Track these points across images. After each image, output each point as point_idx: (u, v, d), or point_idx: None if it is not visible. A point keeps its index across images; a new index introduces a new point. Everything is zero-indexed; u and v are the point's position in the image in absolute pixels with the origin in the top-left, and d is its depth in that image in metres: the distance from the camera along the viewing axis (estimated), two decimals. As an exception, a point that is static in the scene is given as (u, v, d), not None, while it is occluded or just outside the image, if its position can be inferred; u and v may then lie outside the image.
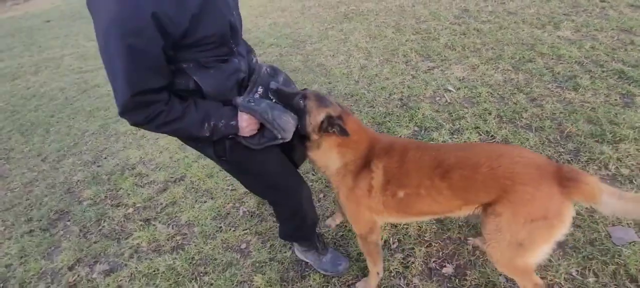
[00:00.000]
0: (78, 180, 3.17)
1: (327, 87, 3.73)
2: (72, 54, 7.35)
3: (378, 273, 1.71)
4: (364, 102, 3.33)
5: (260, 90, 1.35)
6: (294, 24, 5.86)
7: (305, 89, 1.46)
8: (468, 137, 2.61)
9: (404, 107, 3.13)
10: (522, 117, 2.70)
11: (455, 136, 2.68)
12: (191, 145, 1.45)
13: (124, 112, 1.10)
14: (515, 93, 3.00)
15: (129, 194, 2.81)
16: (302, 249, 1.92)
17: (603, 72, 3.01)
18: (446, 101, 3.09)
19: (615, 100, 2.68)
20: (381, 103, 3.25)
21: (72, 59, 7.02)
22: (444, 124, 2.80)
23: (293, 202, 1.60)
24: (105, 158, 3.46)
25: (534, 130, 2.56)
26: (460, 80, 3.35)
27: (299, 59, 4.52)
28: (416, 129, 2.85)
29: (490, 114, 2.80)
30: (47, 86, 5.75)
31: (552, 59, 3.36)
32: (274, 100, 1.36)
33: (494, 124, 2.69)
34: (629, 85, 2.79)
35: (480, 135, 2.63)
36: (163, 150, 3.30)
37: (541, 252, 1.27)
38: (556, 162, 1.63)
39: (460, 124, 2.77)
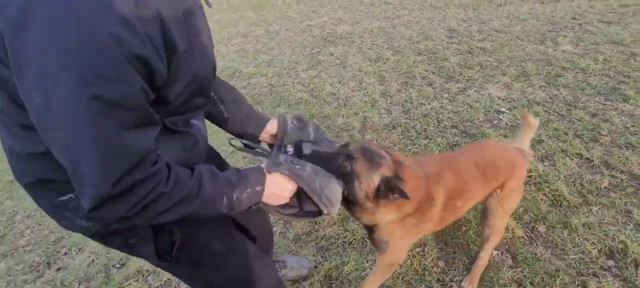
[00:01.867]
0: (27, 303, 1.97)
1: (356, 119, 3.14)
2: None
3: None
4: (413, 133, 2.84)
5: (290, 149, 1.08)
6: (269, 50, 5.17)
7: (346, 144, 1.21)
8: (564, 163, 2.30)
9: (465, 135, 2.73)
10: (602, 135, 2.51)
11: (546, 161, 2.35)
12: (116, 248, 0.99)
13: (99, 206, 0.70)
14: (570, 109, 2.84)
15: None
16: None
17: (636, 82, 3.07)
18: (506, 124, 2.79)
19: (670, 108, 2.69)
20: (436, 133, 2.80)
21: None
22: (529, 149, 2.46)
23: None
24: (66, 254, 2.28)
25: (625, 148, 2.37)
26: (503, 99, 3.11)
27: (300, 89, 3.85)
28: (497, 159, 2.45)
29: (566, 134, 2.56)
30: None
31: (578, 72, 3.36)
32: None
33: (579, 144, 2.44)
34: (669, 93, 2.85)
35: (575, 158, 2.34)
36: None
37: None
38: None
39: (543, 149, 2.46)
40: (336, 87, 3.77)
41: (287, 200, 1.02)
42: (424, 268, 1.83)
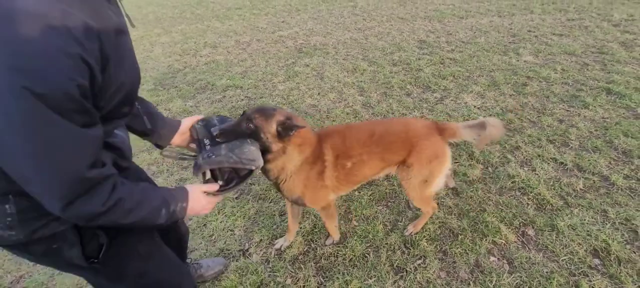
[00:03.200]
0: None
1: (340, 131, 3.13)
2: None
3: (336, 226, 2.05)
4: (398, 143, 2.88)
5: (207, 142, 1.29)
6: (242, 62, 5.03)
7: (244, 112, 1.45)
8: (542, 167, 2.44)
9: (450, 144, 2.80)
10: (570, 139, 2.70)
11: (525, 167, 2.48)
12: (39, 259, 1.04)
13: (72, 202, 0.80)
14: (539, 116, 3.04)
15: None
16: None
17: (592, 89, 3.35)
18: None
19: (624, 113, 2.96)
20: (420, 142, 2.85)
21: None
22: (509, 156, 2.59)
23: None
24: (30, 296, 2.01)
25: (592, 151, 2.57)
26: (478, 108, 3.26)
27: (279, 101, 3.78)
28: (481, 166, 2.54)
29: (539, 139, 2.73)
30: None
31: (541, 81, 3.62)
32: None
33: (553, 149, 2.61)
34: (621, 99, 3.14)
35: (551, 163, 2.49)
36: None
37: (438, 182, 1.83)
38: (433, 120, 2.12)
39: (522, 155, 2.60)
40: (316, 99, 3.74)
41: (209, 209, 1.19)
42: (428, 280, 1.83)
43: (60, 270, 1.10)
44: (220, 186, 1.25)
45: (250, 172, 1.29)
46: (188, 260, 1.93)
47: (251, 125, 1.37)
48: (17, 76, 0.68)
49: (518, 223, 2.09)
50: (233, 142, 1.30)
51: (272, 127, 1.41)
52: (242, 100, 3.92)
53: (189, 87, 4.38)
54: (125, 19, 0.98)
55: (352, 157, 1.69)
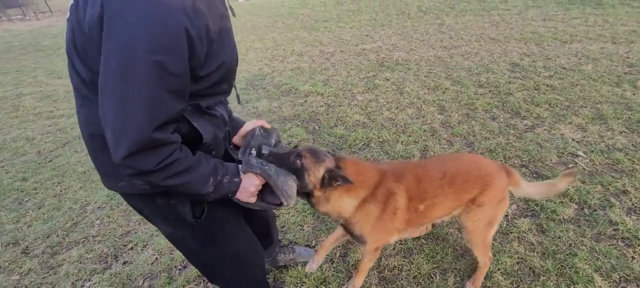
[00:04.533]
0: (99, 292, 2.07)
1: (416, 147, 3.08)
2: (32, 93, 5.98)
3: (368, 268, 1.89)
4: (478, 168, 2.73)
5: (253, 152, 1.26)
6: (324, 71, 5.27)
7: (296, 147, 1.43)
8: (657, 220, 2.09)
9: (539, 176, 2.57)
10: (700, 192, 2.26)
11: (633, 215, 2.14)
12: (153, 211, 1.22)
13: (133, 154, 0.88)
14: (659, 160, 2.60)
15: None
16: None
17: None
18: (584, 169, 2.59)
19: None
20: (503, 170, 2.66)
21: (34, 99, 5.67)
22: (613, 200, 2.27)
23: (252, 276, 1.59)
24: (132, 249, 2.39)
25: None
26: (578, 142, 2.91)
27: (357, 111, 3.86)
28: (576, 206, 2.27)
29: (656, 187, 2.34)
30: (6, 134, 4.40)
31: (664, 120, 3.09)
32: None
33: (674, 201, 2.21)
34: None
35: (669, 216, 2.12)
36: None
37: (498, 224, 1.74)
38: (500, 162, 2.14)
39: (630, 200, 2.25)
40: (394, 113, 3.73)
41: (255, 195, 1.21)
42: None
43: (167, 227, 1.29)
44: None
45: (277, 205, 1.26)
46: (282, 242, 2.17)
47: (298, 163, 1.33)
48: (141, 40, 0.82)
49: (617, 277, 1.82)
50: (281, 169, 1.27)
51: (319, 172, 1.37)
52: (322, 106, 4.10)
53: (275, 90, 4.74)
54: (229, 9, 1.12)
55: (426, 199, 1.59)
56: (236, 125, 1.40)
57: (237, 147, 1.38)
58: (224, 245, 1.39)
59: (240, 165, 1.19)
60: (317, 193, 1.41)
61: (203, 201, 1.21)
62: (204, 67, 0.97)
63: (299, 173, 1.33)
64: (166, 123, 0.91)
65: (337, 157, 1.48)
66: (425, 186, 1.58)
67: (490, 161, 1.73)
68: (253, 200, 1.21)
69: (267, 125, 1.37)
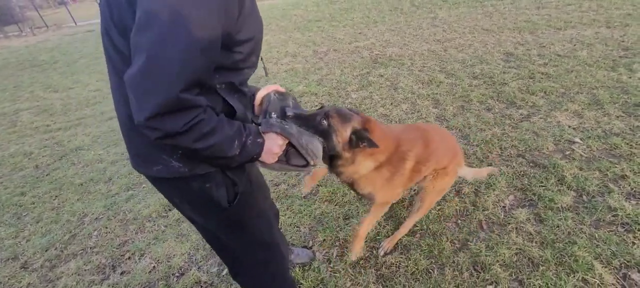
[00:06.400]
0: (96, 304, 2.06)
1: (411, 142, 3.06)
2: (30, 108, 6.00)
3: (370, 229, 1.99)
4: (474, 160, 2.71)
5: (273, 115, 1.18)
6: (318, 70, 5.25)
7: (323, 107, 1.38)
8: (656, 203, 2.06)
9: (536, 166, 2.54)
10: (699, 173, 2.23)
11: (632, 200, 2.12)
12: (187, 198, 1.19)
13: (161, 114, 0.84)
14: (656, 143, 2.57)
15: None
16: None
17: None
18: (581, 155, 2.57)
19: None
20: (500, 161, 2.64)
21: (31, 114, 5.69)
22: (612, 186, 2.24)
23: (280, 269, 1.58)
24: (130, 259, 2.38)
25: None
26: (574, 129, 2.89)
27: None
28: (574, 194, 2.25)
29: (654, 170, 2.31)
30: (4, 150, 4.41)
31: (661, 102, 3.06)
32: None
33: (673, 183, 2.19)
34: None
35: (668, 199, 2.09)
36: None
37: None
38: None
39: (629, 185, 2.23)
40: (389, 109, 3.72)
41: (277, 156, 1.17)
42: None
43: (198, 216, 1.28)
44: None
45: (303, 166, 1.23)
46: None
47: (325, 123, 1.30)
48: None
49: (618, 263, 1.79)
50: (304, 130, 1.23)
51: (347, 132, 1.33)
52: (316, 106, 4.08)
53: (269, 92, 4.72)
54: None
55: (428, 162, 1.75)
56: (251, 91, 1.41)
57: (256, 116, 1.35)
58: (254, 232, 1.37)
59: (260, 127, 1.16)
60: (346, 154, 1.38)
61: (236, 184, 1.20)
62: (239, 33, 0.97)
63: (326, 134, 1.29)
64: (194, 85, 0.89)
65: (364, 118, 1.41)
66: (430, 150, 1.74)
67: (450, 133, 2.03)
68: (277, 162, 1.18)
69: (282, 89, 1.30)
